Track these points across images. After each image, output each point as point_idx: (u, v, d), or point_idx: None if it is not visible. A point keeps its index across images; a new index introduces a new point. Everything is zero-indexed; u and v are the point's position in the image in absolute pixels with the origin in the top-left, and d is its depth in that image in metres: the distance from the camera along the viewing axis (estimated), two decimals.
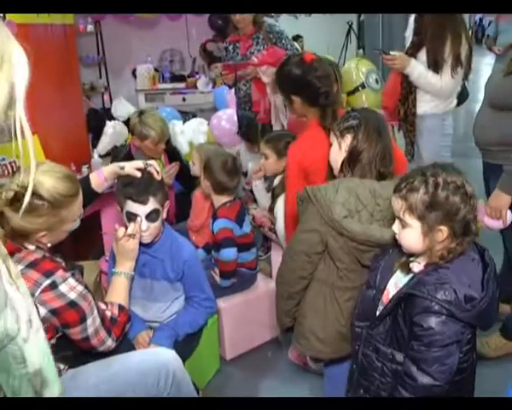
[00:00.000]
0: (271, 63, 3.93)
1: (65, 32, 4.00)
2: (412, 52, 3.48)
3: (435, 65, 3.35)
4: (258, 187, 3.48)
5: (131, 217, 2.35)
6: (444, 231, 1.63)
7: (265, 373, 2.96)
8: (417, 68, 3.40)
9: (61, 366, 1.98)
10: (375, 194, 1.99)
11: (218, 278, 3.04)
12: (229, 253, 2.97)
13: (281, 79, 2.65)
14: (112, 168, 2.52)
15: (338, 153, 2.13)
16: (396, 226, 1.74)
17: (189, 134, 4.11)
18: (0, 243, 1.09)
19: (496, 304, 1.70)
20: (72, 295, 1.84)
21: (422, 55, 3.42)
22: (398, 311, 1.71)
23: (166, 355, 2.15)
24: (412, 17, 3.56)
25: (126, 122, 5.05)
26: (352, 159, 2.08)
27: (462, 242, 1.65)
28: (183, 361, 2.25)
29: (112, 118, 5.56)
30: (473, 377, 1.80)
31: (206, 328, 2.76)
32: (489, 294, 1.62)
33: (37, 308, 1.67)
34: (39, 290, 1.77)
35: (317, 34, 10.22)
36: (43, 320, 1.76)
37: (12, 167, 3.19)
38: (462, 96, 3.67)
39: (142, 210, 2.34)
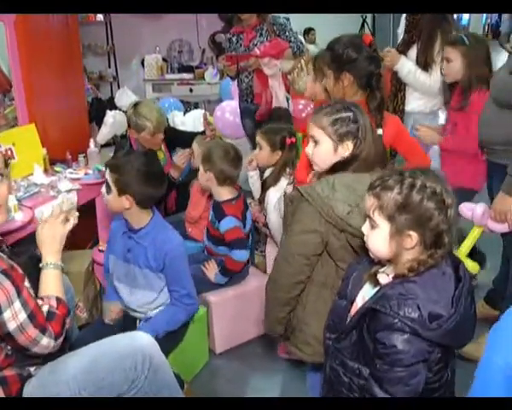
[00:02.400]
0: (273, 55, 3.91)
1: (67, 21, 4.00)
2: (402, 49, 3.47)
3: (425, 63, 3.33)
4: (254, 178, 3.45)
5: None
6: (413, 238, 1.53)
7: (255, 368, 2.94)
8: (406, 65, 3.38)
9: (32, 369, 1.95)
10: None
11: (211, 275, 3.00)
12: (241, 254, 2.95)
13: (336, 56, 2.56)
14: None
15: (331, 155, 2.03)
16: (365, 227, 1.65)
17: (189, 125, 4.08)
18: None
19: (470, 322, 1.58)
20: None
21: (413, 52, 3.40)
22: (364, 326, 1.61)
23: (142, 339, 2.11)
24: (404, 14, 3.53)
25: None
26: (349, 162, 2.03)
27: (433, 254, 1.54)
28: (166, 355, 2.22)
29: (116, 107, 5.56)
30: (450, 394, 1.69)
31: (192, 322, 2.74)
32: (459, 311, 1.50)
33: None
34: None
35: (329, 27, 10.12)
36: None
37: (7, 154, 3.19)
38: None
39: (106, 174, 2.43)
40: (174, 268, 2.49)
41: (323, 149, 2.06)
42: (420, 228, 1.53)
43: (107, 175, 2.39)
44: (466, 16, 16.06)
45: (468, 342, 1.63)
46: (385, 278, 1.64)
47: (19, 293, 1.75)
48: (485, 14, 15.31)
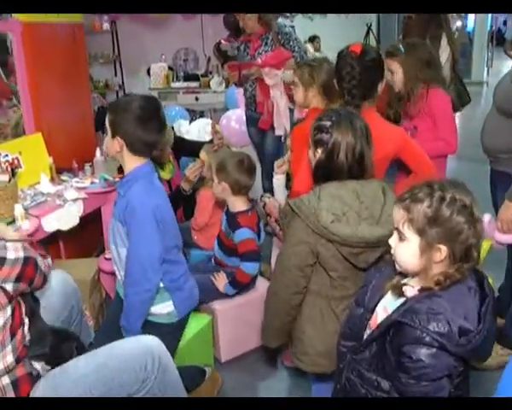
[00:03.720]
0: (274, 65, 3.93)
1: (73, 31, 4.03)
2: None
3: None
4: (279, 181, 3.45)
5: None
6: (442, 251, 1.52)
7: (260, 376, 2.95)
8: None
9: (38, 366, 1.97)
10: (357, 193, 1.96)
11: (221, 286, 3.00)
12: (252, 267, 2.95)
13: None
14: None
15: (312, 158, 2.10)
16: (393, 239, 1.63)
17: (194, 134, 4.10)
18: None
19: (493, 337, 1.57)
20: (21, 254, 1.84)
21: None
22: (386, 338, 1.60)
23: (150, 340, 2.15)
24: None
25: None
26: (321, 174, 2.05)
27: (460, 268, 1.53)
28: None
29: None
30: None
31: (201, 329, 2.75)
32: (485, 327, 1.49)
33: (3, 291, 1.73)
34: None
35: (334, 35, 10.17)
36: (12, 296, 1.81)
37: (13, 163, 3.21)
38: (463, 101, 3.60)
39: None
40: (130, 220, 2.27)
41: (309, 153, 2.12)
42: (450, 242, 1.52)
43: (107, 116, 2.34)
44: (471, 23, 16.08)
45: (489, 356, 1.63)
46: (411, 290, 1.62)
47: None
48: (489, 21, 15.28)
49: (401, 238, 1.60)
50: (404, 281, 1.66)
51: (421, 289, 1.59)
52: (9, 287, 1.78)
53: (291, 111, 4.26)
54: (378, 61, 2.52)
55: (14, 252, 1.81)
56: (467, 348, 1.48)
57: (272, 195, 3.57)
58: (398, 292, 1.65)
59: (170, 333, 2.47)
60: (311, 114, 2.76)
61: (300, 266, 2.01)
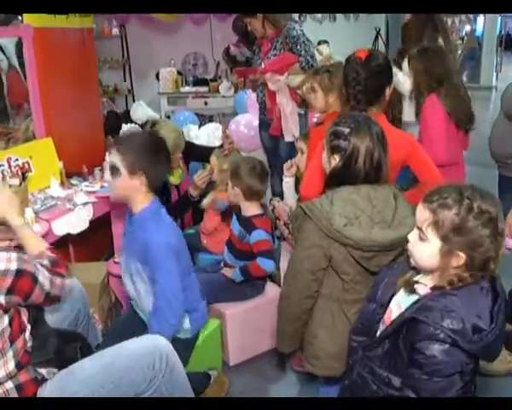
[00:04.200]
0: (275, 70, 3.92)
1: (83, 36, 4.05)
2: (398, 59, 3.49)
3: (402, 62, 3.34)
4: (289, 184, 3.45)
5: None
6: (461, 259, 1.54)
7: (268, 380, 2.95)
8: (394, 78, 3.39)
9: (43, 371, 1.97)
10: (370, 197, 1.96)
11: (230, 273, 3.03)
12: (269, 264, 2.97)
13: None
14: None
15: (327, 163, 2.09)
16: (412, 236, 1.64)
17: (204, 139, 4.11)
18: None
19: (503, 336, 1.59)
20: (13, 265, 1.76)
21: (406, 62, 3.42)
22: (400, 335, 1.63)
23: (158, 339, 2.16)
24: None
25: (143, 126, 5.10)
26: (336, 179, 2.05)
27: (475, 274, 1.56)
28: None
29: (131, 121, 5.61)
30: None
31: (206, 333, 2.76)
32: (498, 326, 1.52)
33: None
34: None
35: (343, 39, 10.17)
36: (7, 308, 1.79)
37: (24, 168, 3.24)
38: None
39: (108, 159, 2.37)
40: (155, 257, 2.33)
41: (323, 157, 2.12)
42: (470, 251, 1.53)
43: (114, 157, 2.29)
44: (480, 28, 16.03)
45: (498, 355, 1.63)
46: (423, 288, 1.65)
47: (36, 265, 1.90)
48: (499, 26, 15.25)
49: (421, 238, 1.61)
50: (417, 278, 1.68)
51: (434, 288, 1.61)
52: (1, 299, 1.74)
53: (300, 116, 4.26)
54: (385, 66, 2.52)
55: (5, 263, 1.74)
56: (479, 345, 1.50)
57: (282, 199, 3.58)
58: (411, 289, 1.67)
59: (184, 346, 2.52)
60: (329, 118, 2.76)
61: (313, 269, 2.01)
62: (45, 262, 2.03)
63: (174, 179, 3.69)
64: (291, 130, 4.16)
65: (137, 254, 2.38)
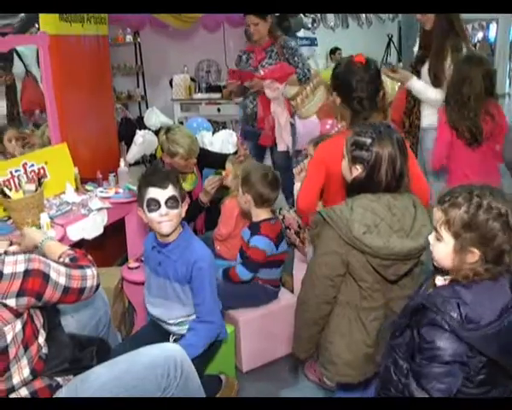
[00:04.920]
0: (276, 78, 3.93)
1: (98, 43, 4.09)
2: (416, 66, 3.49)
3: (435, 79, 3.33)
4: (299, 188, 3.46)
5: (152, 203, 2.40)
6: (475, 254, 1.58)
7: (280, 387, 2.94)
8: (416, 84, 3.43)
9: (59, 379, 1.97)
10: (390, 205, 1.97)
11: (234, 272, 3.02)
12: (244, 273, 2.98)
13: (331, 76, 2.64)
14: None
15: (348, 172, 2.10)
16: (432, 237, 1.70)
17: (217, 145, 4.13)
18: None
19: None
20: (20, 267, 1.75)
21: (425, 68, 3.42)
22: (414, 323, 1.69)
23: (173, 348, 2.19)
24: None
25: (157, 132, 5.13)
26: (359, 187, 2.06)
27: (491, 269, 1.59)
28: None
29: (145, 127, 5.64)
30: None
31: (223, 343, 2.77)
32: (503, 322, 1.55)
33: (5, 307, 1.70)
34: None
35: (355, 46, 10.16)
36: (20, 312, 1.77)
37: (40, 173, 3.26)
38: None
39: (162, 195, 2.40)
40: (199, 279, 2.49)
41: (344, 164, 2.12)
42: (483, 246, 1.58)
43: (173, 191, 2.42)
44: (492, 35, 15.98)
45: None
46: (441, 280, 1.70)
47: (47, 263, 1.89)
48: (511, 32, 15.20)
49: (438, 238, 1.67)
50: (440, 278, 1.72)
51: (451, 281, 1.66)
52: (12, 303, 1.72)
53: (292, 126, 4.28)
54: (379, 72, 2.57)
55: (12, 266, 1.74)
56: (474, 334, 1.53)
57: (293, 205, 3.58)
58: (433, 285, 1.72)
59: (203, 354, 2.52)
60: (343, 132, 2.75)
61: (330, 275, 2.01)
62: (66, 260, 2.06)
63: (187, 185, 3.71)
64: (284, 139, 4.19)
65: (177, 277, 2.52)
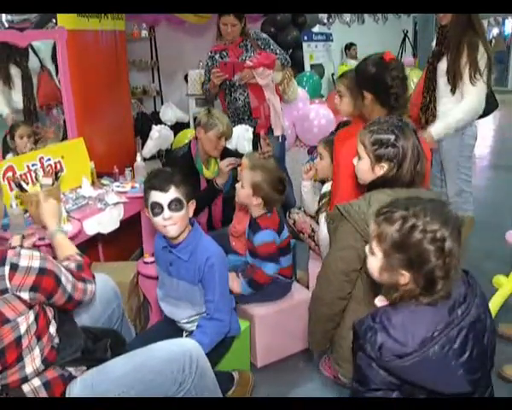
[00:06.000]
0: (267, 65, 4.00)
1: (115, 38, 4.11)
2: (433, 61, 3.47)
3: (454, 78, 3.30)
4: (307, 187, 3.45)
5: (155, 207, 2.40)
6: (405, 277, 1.52)
7: (295, 383, 2.93)
8: (440, 131, 3.36)
9: (71, 369, 1.99)
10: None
11: (236, 285, 3.00)
12: (271, 267, 2.96)
13: (357, 74, 2.65)
14: None
15: (368, 173, 2.08)
16: (366, 248, 1.67)
17: (233, 141, 4.12)
18: None
19: (458, 368, 1.48)
20: (36, 263, 1.79)
21: (443, 64, 3.38)
22: None
23: (189, 343, 2.19)
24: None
25: (173, 127, 5.15)
26: (383, 183, 2.05)
27: (427, 295, 1.52)
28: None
29: (160, 122, 5.65)
30: None
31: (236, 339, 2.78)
32: (428, 351, 1.46)
33: (19, 299, 1.73)
34: (7, 280, 1.72)
35: (371, 42, 10.11)
36: (32, 305, 1.80)
37: (56, 167, 3.28)
38: (490, 107, 3.56)
39: (164, 198, 2.38)
40: (210, 275, 2.49)
41: (363, 165, 2.10)
42: (412, 270, 1.51)
43: (176, 193, 2.40)
44: (508, 30, 15.84)
45: (464, 390, 1.52)
46: (381, 301, 1.67)
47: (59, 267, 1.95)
48: None
49: (370, 251, 1.62)
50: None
51: (390, 302, 1.61)
52: (25, 295, 1.76)
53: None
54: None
55: (28, 260, 1.78)
56: (392, 364, 1.48)
57: (299, 208, 3.57)
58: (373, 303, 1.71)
59: (214, 350, 2.52)
60: (357, 121, 2.77)
61: (346, 270, 2.01)
62: (72, 265, 2.10)
63: (208, 173, 3.74)
64: (281, 123, 4.28)
65: (189, 276, 2.53)
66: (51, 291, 1.85)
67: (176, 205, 2.40)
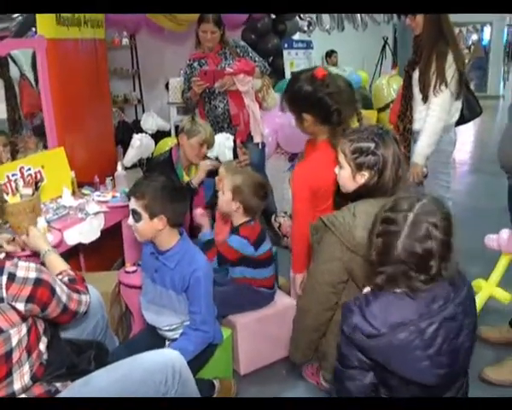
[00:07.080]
0: (247, 71, 4.02)
1: (95, 47, 4.09)
2: (408, 70, 3.50)
3: (424, 88, 3.33)
4: None
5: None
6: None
7: (279, 390, 2.93)
8: (419, 154, 3.37)
9: (58, 385, 1.98)
10: None
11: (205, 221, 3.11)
12: (234, 240, 2.97)
13: (291, 96, 2.58)
14: None
15: (350, 181, 2.09)
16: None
17: (215, 149, 4.12)
18: None
19: (425, 360, 1.55)
20: (32, 274, 1.81)
21: (416, 73, 3.42)
22: None
23: (171, 354, 2.18)
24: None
25: (154, 135, 5.13)
26: (366, 192, 2.06)
27: (422, 275, 1.58)
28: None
29: (142, 130, 5.63)
30: None
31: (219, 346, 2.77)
32: (396, 336, 1.53)
33: (14, 309, 1.73)
34: (4, 290, 1.73)
35: (351, 49, 10.21)
36: (26, 317, 1.80)
37: (36, 177, 3.26)
38: (472, 114, 3.59)
39: (130, 205, 2.46)
40: (196, 288, 2.49)
41: (344, 174, 2.10)
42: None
43: (134, 204, 2.41)
44: (487, 37, 16.06)
45: (428, 382, 1.59)
46: (367, 289, 1.75)
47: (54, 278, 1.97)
48: (505, 35, 15.28)
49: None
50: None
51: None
52: (20, 307, 1.76)
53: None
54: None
55: (25, 271, 1.80)
56: (361, 343, 1.57)
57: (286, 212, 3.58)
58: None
59: (195, 358, 2.51)
60: (320, 146, 2.65)
61: (333, 282, 2.02)
62: (65, 279, 2.12)
63: (188, 179, 3.74)
64: (260, 130, 4.31)
65: (173, 285, 2.53)
66: (46, 301, 1.85)
67: (134, 216, 2.43)
